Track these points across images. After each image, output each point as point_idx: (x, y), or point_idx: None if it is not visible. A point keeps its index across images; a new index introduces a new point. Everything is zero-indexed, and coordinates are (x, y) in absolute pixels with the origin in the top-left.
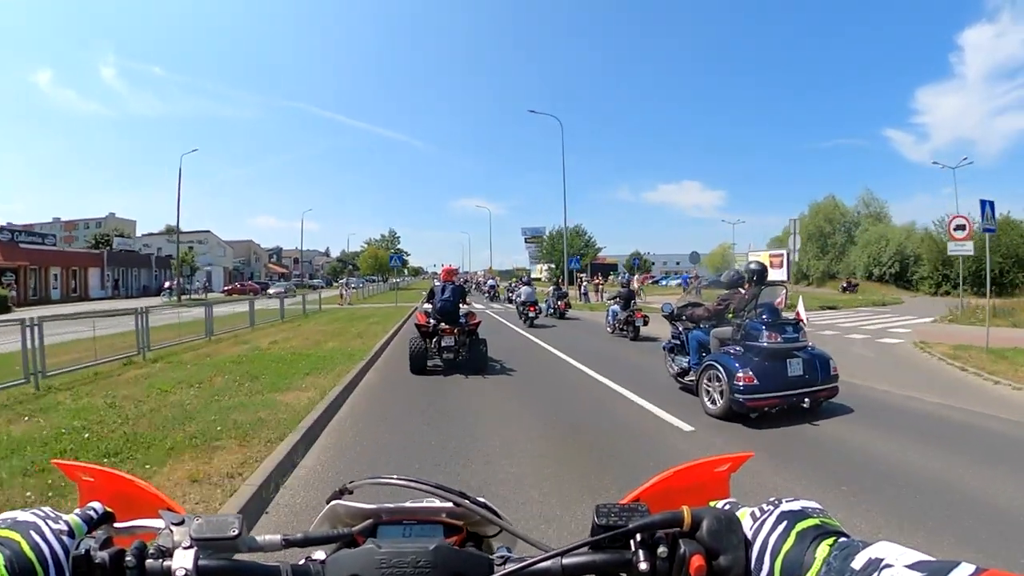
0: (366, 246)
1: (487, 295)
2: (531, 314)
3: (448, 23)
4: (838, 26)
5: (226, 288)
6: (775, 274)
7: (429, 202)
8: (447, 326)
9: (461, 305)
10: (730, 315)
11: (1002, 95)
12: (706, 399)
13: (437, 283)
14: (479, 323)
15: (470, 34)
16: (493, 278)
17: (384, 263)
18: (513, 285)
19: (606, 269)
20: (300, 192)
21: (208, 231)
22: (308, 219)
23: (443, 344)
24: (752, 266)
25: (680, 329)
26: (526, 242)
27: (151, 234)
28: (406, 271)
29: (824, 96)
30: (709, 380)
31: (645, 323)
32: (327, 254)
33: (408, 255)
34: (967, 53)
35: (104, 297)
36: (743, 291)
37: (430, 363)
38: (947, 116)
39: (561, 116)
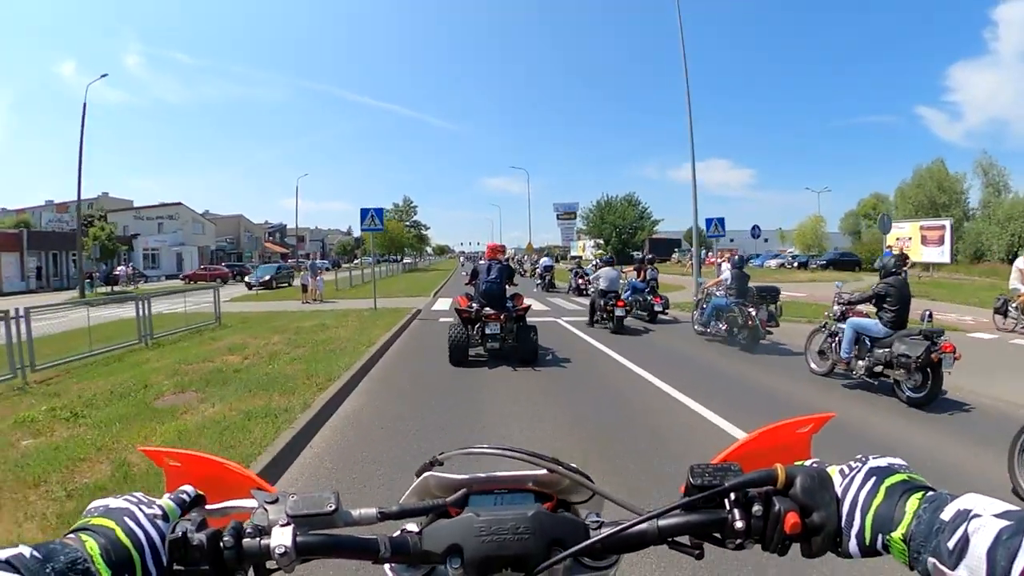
0: None
1: (539, 282)
2: (619, 311)
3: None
4: (869, 1)
5: (187, 274)
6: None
7: (457, 182)
8: (492, 311)
9: (508, 287)
10: None
11: None
12: None
13: (481, 262)
14: (528, 307)
15: (493, 13)
16: (547, 255)
17: (398, 239)
18: (584, 267)
19: (669, 246)
20: (329, 173)
21: (180, 203)
22: (336, 200)
23: (487, 331)
24: None
25: None
26: (558, 219)
27: (118, 210)
28: (429, 249)
29: (855, 73)
30: None
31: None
32: (349, 233)
33: (427, 228)
34: (1001, 29)
35: (22, 291)
36: None
37: (472, 352)
38: (980, 94)
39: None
